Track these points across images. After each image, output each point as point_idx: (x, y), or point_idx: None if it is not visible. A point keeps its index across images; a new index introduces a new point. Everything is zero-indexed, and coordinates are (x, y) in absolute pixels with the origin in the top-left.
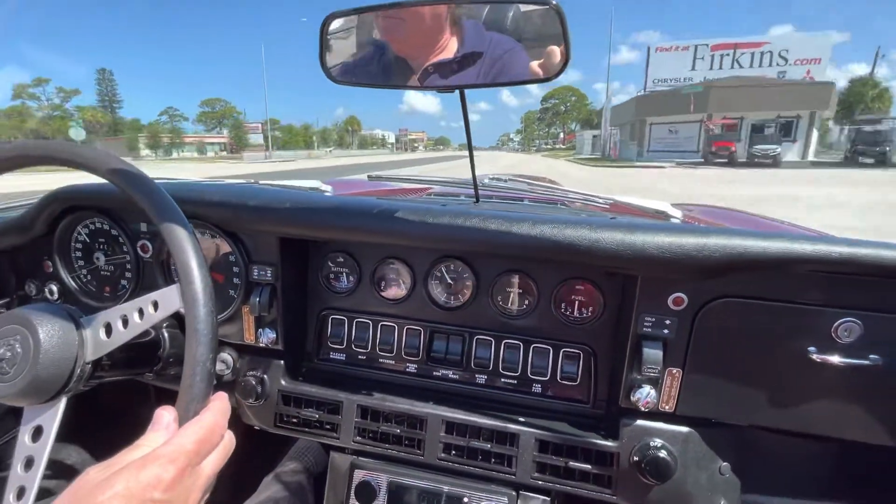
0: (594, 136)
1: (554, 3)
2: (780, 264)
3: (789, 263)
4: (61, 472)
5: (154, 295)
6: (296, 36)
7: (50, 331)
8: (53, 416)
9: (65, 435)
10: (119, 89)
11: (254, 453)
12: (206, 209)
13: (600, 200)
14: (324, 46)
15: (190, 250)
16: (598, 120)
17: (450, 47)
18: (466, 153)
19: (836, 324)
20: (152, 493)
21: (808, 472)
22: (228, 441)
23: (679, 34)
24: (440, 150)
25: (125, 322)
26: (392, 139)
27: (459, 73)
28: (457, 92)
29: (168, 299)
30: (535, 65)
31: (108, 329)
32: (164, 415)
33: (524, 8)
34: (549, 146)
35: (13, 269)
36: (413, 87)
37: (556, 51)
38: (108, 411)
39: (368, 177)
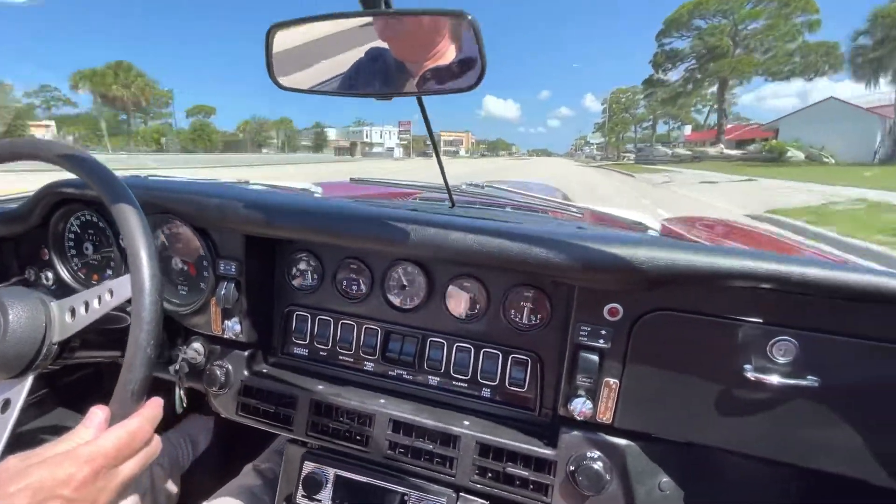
0: None
1: (469, 16)
2: (709, 278)
3: (718, 278)
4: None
5: (110, 283)
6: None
7: (19, 312)
8: (20, 391)
9: (64, 406)
10: None
11: (242, 442)
12: (175, 205)
13: (575, 210)
14: (270, 55)
15: (140, 240)
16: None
17: (387, 59)
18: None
19: (771, 342)
20: (63, 489)
21: (755, 495)
22: (153, 447)
23: None
24: (481, 158)
25: (87, 307)
26: (386, 141)
27: (397, 82)
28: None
29: (122, 287)
30: (455, 75)
31: (73, 313)
32: (97, 413)
33: (441, 20)
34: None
35: (16, 255)
36: (353, 94)
37: (474, 61)
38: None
39: (351, 179)
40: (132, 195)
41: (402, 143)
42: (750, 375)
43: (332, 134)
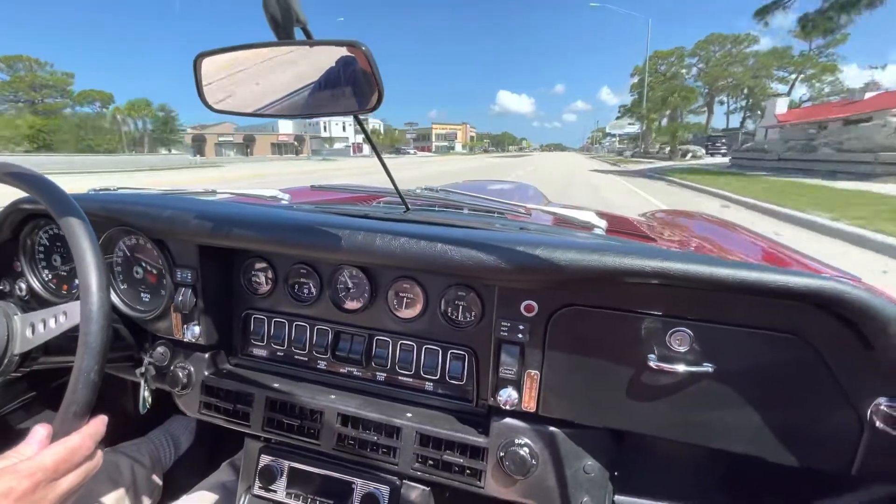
0: None
1: (363, 47)
2: (604, 277)
3: (608, 274)
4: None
5: (64, 306)
6: None
7: None
8: None
9: (52, 409)
10: None
11: (223, 442)
12: (131, 218)
13: (523, 211)
14: (200, 82)
15: (89, 267)
16: None
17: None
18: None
19: (669, 332)
20: (2, 501)
21: (680, 475)
22: (94, 462)
23: None
24: (483, 154)
25: (45, 324)
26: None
27: (313, 103)
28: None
29: (74, 312)
30: (354, 98)
31: (33, 329)
32: (39, 430)
33: (337, 50)
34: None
35: None
36: (276, 115)
37: (373, 86)
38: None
39: (311, 187)
40: (78, 208)
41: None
42: (653, 364)
43: (284, 128)
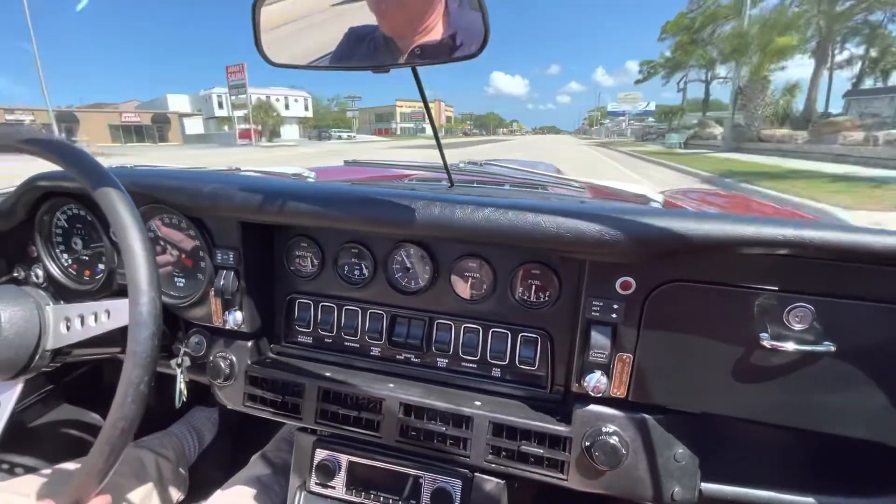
0: None
1: None
2: (725, 246)
3: (733, 245)
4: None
5: (109, 303)
6: None
7: (13, 316)
8: (11, 395)
9: (69, 402)
10: None
11: (248, 432)
12: (165, 194)
13: (576, 184)
14: (258, 31)
15: (143, 266)
16: None
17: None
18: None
19: (787, 309)
20: None
21: (770, 461)
22: None
23: None
24: (463, 138)
25: (82, 321)
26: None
27: (393, 53)
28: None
29: (119, 312)
30: (454, 43)
31: (69, 324)
32: None
33: None
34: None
35: (3, 253)
36: (349, 67)
37: (477, 25)
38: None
39: (345, 162)
40: (124, 190)
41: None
42: (766, 343)
43: (179, 103)
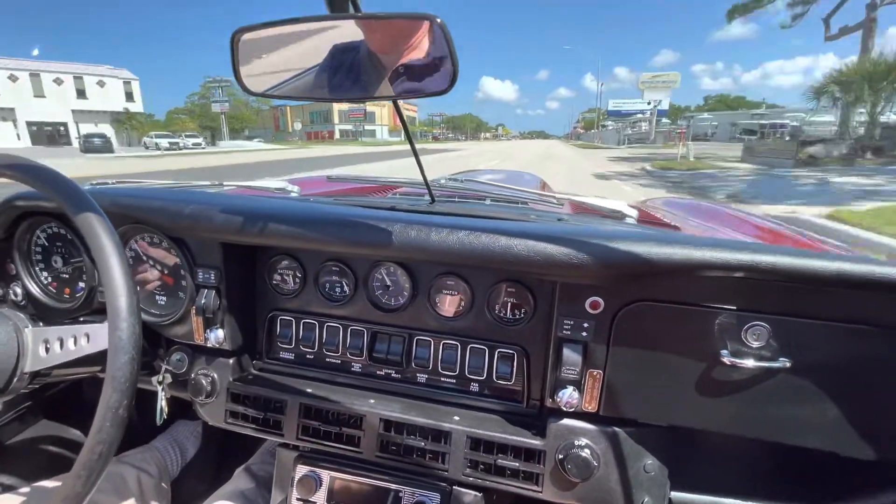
0: None
1: (438, 19)
2: (686, 269)
3: (693, 269)
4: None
5: (88, 328)
6: None
7: None
8: None
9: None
10: None
11: (232, 446)
12: (146, 215)
13: (553, 200)
14: (237, 60)
15: (122, 291)
16: None
17: (358, 63)
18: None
19: (745, 327)
20: None
21: (736, 470)
22: None
23: None
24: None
25: (62, 344)
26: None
27: (370, 85)
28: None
29: (98, 336)
30: (427, 78)
31: (48, 347)
32: None
33: (410, 24)
34: None
35: None
36: (327, 98)
37: (445, 64)
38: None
39: (328, 177)
40: (102, 213)
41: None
42: (726, 360)
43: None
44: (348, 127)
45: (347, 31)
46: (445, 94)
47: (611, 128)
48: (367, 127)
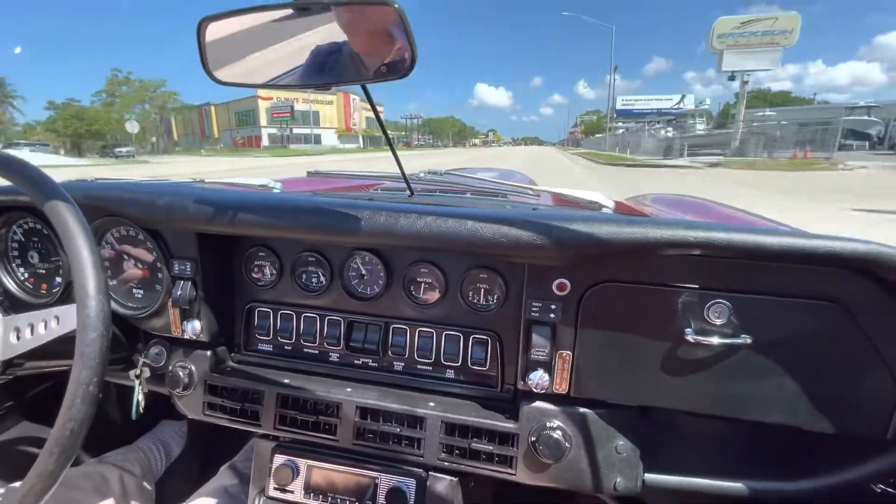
0: None
1: (396, 5)
2: (645, 248)
3: (651, 248)
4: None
5: (57, 310)
6: None
7: None
8: None
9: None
10: None
11: (217, 444)
12: (121, 207)
13: (531, 193)
14: (203, 49)
15: (89, 270)
16: None
17: (321, 49)
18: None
19: (707, 305)
20: None
21: (708, 450)
22: None
23: None
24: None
25: (32, 329)
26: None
27: (333, 72)
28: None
29: (68, 317)
30: (387, 63)
31: (18, 333)
32: None
33: (368, 10)
34: None
35: None
36: (292, 86)
37: (404, 49)
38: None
39: (308, 173)
40: (70, 199)
41: None
42: (690, 338)
43: None
44: (273, 130)
45: (313, 18)
46: (405, 77)
47: (622, 130)
48: (314, 131)
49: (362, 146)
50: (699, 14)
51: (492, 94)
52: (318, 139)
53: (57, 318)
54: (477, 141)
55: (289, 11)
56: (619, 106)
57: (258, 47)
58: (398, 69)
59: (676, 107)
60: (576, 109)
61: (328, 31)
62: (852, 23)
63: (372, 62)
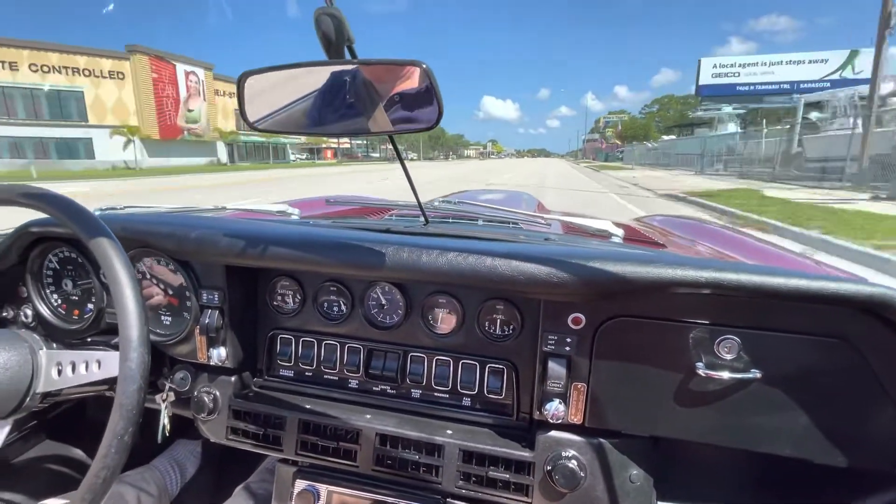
0: None
1: (424, 65)
2: (658, 287)
3: (664, 286)
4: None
5: (100, 354)
6: None
7: (7, 361)
8: (1, 433)
9: (51, 439)
10: None
11: (231, 465)
12: (155, 239)
13: (544, 221)
14: (243, 99)
15: (134, 320)
16: None
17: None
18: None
19: (717, 340)
20: None
21: (719, 479)
22: None
23: None
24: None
25: (73, 368)
26: None
27: (365, 123)
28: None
29: (109, 363)
30: (416, 115)
31: (60, 370)
32: None
33: (399, 69)
34: None
35: None
36: (326, 133)
37: (431, 104)
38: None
39: (326, 200)
40: (114, 237)
41: None
42: (701, 372)
43: None
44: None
45: (345, 73)
46: (432, 129)
47: (650, 146)
48: (284, 140)
49: (301, 159)
50: (708, 23)
51: (499, 107)
52: (284, 153)
53: (99, 362)
54: (471, 152)
55: (324, 69)
56: (703, 81)
57: (293, 99)
58: (424, 121)
59: (832, 75)
60: (583, 121)
61: (359, 86)
62: None
63: (399, 115)
